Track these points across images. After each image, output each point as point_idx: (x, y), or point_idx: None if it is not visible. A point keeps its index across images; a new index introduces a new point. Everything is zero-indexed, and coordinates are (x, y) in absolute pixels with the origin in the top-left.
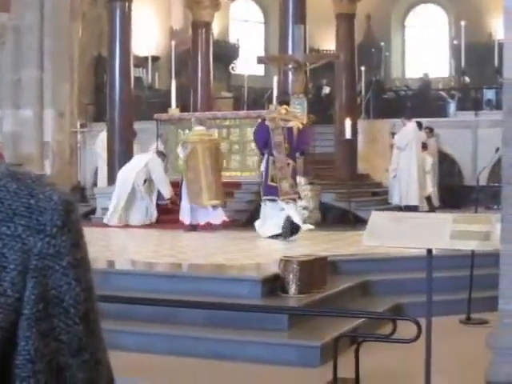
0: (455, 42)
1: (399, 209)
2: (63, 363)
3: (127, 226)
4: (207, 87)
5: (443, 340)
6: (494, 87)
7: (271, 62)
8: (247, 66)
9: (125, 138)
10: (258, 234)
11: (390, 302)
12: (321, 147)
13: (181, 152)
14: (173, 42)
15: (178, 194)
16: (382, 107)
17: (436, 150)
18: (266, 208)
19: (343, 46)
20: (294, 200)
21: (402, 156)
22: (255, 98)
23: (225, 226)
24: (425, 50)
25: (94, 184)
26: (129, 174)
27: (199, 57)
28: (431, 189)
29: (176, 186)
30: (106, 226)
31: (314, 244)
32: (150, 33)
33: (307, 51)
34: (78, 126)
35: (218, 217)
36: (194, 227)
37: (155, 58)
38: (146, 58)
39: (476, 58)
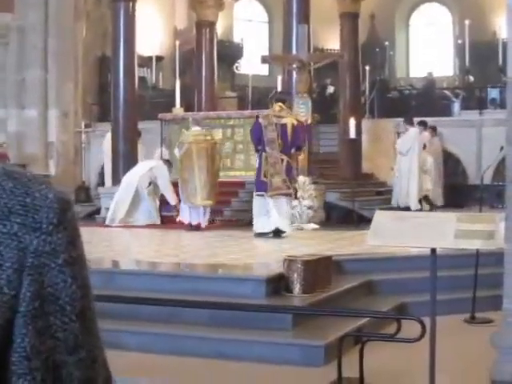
0: (459, 40)
1: (398, 209)
2: (59, 361)
3: (130, 225)
4: (211, 87)
5: (447, 339)
6: (499, 86)
7: (275, 62)
8: (251, 65)
9: (129, 137)
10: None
11: (394, 302)
12: (325, 147)
13: (177, 152)
14: (177, 42)
15: (178, 194)
16: (386, 106)
17: (440, 149)
18: (256, 204)
19: (347, 46)
20: (288, 195)
21: (404, 159)
22: (259, 97)
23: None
24: (429, 49)
25: (101, 183)
26: (133, 178)
27: (203, 56)
28: (430, 187)
29: (175, 185)
30: (108, 226)
31: (318, 243)
32: (154, 33)
33: (311, 51)
34: (83, 126)
35: (206, 218)
36: (192, 227)
37: (159, 58)
38: (150, 58)
39: (480, 56)
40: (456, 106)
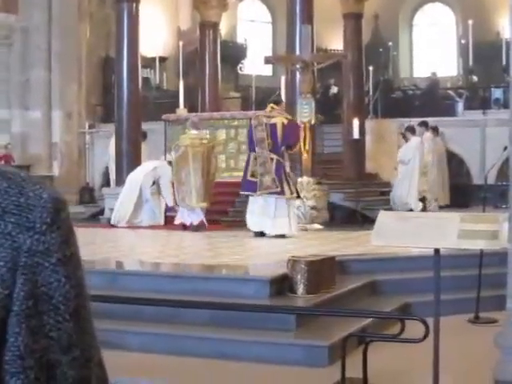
0: (463, 40)
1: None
2: (53, 360)
3: (134, 226)
4: (215, 87)
5: (451, 339)
6: (502, 86)
7: (279, 62)
8: (255, 66)
9: (133, 138)
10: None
11: (397, 302)
12: (329, 147)
13: (173, 154)
14: (180, 43)
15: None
16: (390, 107)
17: (443, 149)
18: (248, 203)
19: (351, 46)
20: (278, 194)
21: (405, 167)
22: (263, 97)
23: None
24: (432, 49)
25: (105, 184)
26: (137, 177)
27: (207, 57)
28: (426, 188)
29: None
30: (113, 226)
31: (322, 244)
32: (157, 33)
33: (315, 51)
34: (87, 126)
35: (199, 219)
36: (186, 227)
37: (163, 59)
38: (153, 59)
39: (484, 56)
40: (460, 106)
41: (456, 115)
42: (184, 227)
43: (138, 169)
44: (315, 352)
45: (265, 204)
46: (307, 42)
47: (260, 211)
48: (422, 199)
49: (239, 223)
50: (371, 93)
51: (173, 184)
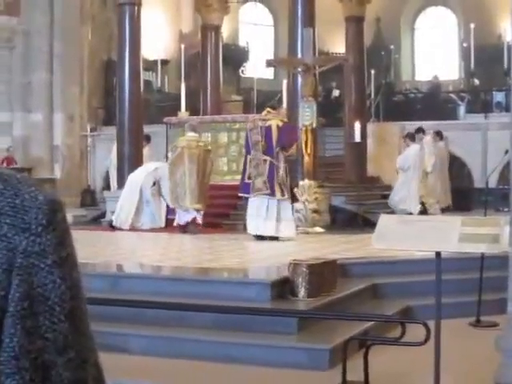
0: (465, 44)
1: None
2: (49, 361)
3: (136, 229)
4: (217, 90)
5: (452, 343)
6: (504, 89)
7: (280, 65)
8: (256, 69)
9: (134, 141)
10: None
11: (399, 305)
12: (330, 150)
13: (170, 156)
14: (182, 46)
15: None
16: (391, 110)
17: (446, 154)
18: (248, 205)
19: (352, 49)
20: (269, 195)
21: (404, 174)
22: (265, 101)
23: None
24: (434, 53)
25: (106, 187)
26: (137, 177)
27: (208, 60)
28: (423, 193)
29: None
30: (114, 229)
31: (323, 247)
32: (159, 36)
33: (316, 54)
34: (88, 129)
35: (192, 217)
36: (181, 228)
37: (165, 62)
38: (155, 62)
39: (485, 60)
40: (461, 110)
41: (458, 118)
42: (180, 227)
43: (139, 169)
44: (316, 355)
45: (259, 205)
46: (309, 45)
47: (256, 213)
48: (421, 203)
49: (240, 226)
50: (373, 96)
51: None
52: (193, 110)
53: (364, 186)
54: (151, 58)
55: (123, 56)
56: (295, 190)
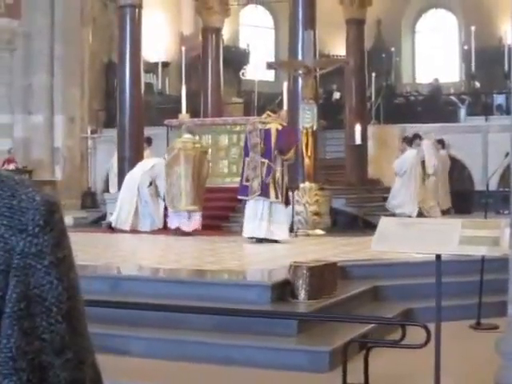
0: (465, 46)
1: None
2: (46, 362)
3: (136, 231)
4: (217, 92)
5: (453, 345)
6: (505, 92)
7: (281, 68)
8: (257, 71)
9: (135, 143)
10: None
11: (399, 308)
12: (331, 152)
13: (166, 157)
14: (183, 48)
15: None
16: (392, 112)
17: (448, 162)
18: (246, 207)
19: (353, 52)
20: (263, 196)
21: (401, 179)
22: (265, 103)
23: (194, 233)
24: (435, 55)
25: (107, 189)
26: (135, 174)
27: (209, 62)
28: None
29: None
30: (114, 230)
31: (323, 249)
32: (160, 38)
33: (317, 56)
34: (89, 131)
35: (191, 224)
36: (175, 231)
37: (165, 64)
38: (156, 64)
39: (486, 62)
40: (462, 112)
41: (458, 121)
42: (181, 232)
43: (137, 166)
44: (317, 357)
45: (256, 208)
46: (310, 48)
47: (253, 215)
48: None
49: (239, 228)
50: (373, 98)
51: None
52: (193, 112)
53: (364, 188)
54: (152, 60)
55: (124, 58)
56: (292, 193)
